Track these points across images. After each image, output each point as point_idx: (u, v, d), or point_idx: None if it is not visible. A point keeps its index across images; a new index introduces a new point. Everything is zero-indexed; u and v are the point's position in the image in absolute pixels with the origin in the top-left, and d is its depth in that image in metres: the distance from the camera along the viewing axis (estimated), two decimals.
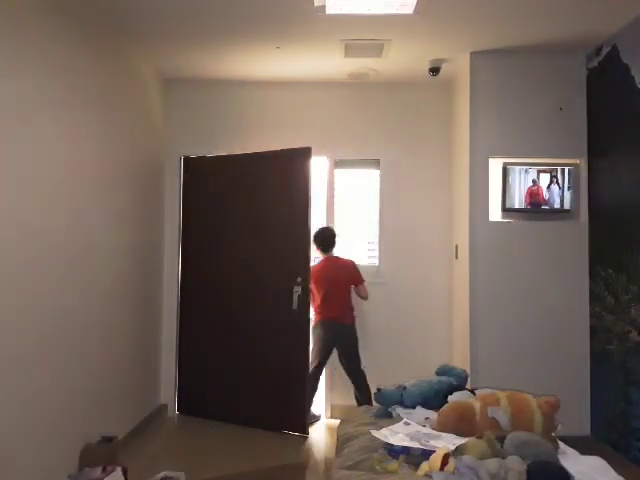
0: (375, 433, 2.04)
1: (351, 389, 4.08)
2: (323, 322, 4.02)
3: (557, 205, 3.81)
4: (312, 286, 3.99)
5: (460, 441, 1.88)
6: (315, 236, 4.08)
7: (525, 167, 3.82)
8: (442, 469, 1.69)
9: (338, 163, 4.46)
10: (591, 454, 2.03)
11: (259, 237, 4.15)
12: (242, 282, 4.20)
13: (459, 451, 1.82)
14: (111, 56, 3.34)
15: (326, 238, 4.13)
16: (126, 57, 3.59)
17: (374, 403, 2.80)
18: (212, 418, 4.18)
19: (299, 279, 3.92)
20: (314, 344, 4.03)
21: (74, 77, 2.87)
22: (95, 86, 3.12)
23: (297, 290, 3.92)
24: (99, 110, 3.17)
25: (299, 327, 3.95)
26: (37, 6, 2.50)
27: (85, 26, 2.98)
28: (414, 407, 2.47)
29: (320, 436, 3.94)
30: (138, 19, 3.31)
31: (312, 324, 4.07)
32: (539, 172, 3.82)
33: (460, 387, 2.60)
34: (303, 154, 3.99)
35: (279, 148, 4.32)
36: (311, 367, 3.97)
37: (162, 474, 2.79)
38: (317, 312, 4.09)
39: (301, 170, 4.01)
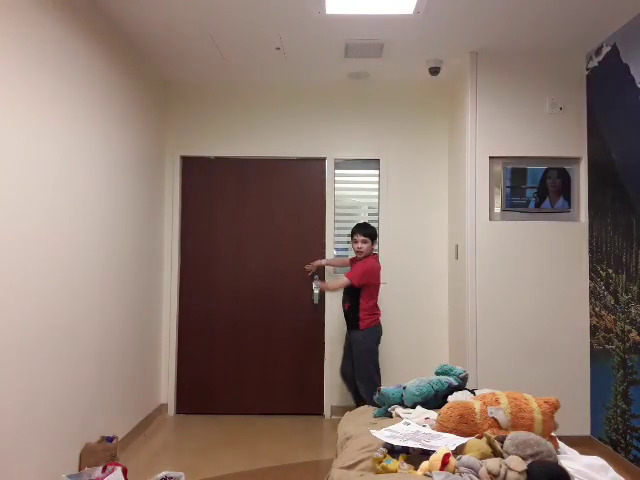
0: (375, 433, 2.03)
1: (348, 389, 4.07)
2: (379, 324, 3.84)
3: (557, 205, 3.81)
4: (369, 283, 3.76)
5: (460, 441, 1.88)
6: (373, 232, 3.85)
7: (525, 167, 3.82)
8: (442, 469, 1.69)
9: (338, 163, 4.46)
10: (591, 454, 2.03)
11: (265, 237, 4.43)
12: (248, 281, 4.43)
13: (459, 451, 1.82)
14: (111, 56, 3.34)
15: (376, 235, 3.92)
16: (126, 57, 3.59)
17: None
18: (217, 413, 4.35)
19: (316, 276, 4.33)
20: (375, 344, 3.81)
21: (73, 77, 2.87)
22: (95, 86, 3.12)
23: (317, 286, 4.25)
24: (99, 110, 3.17)
25: (317, 319, 4.40)
26: (40, 6, 2.49)
27: (87, 27, 2.98)
28: (414, 407, 2.47)
29: (320, 436, 3.94)
30: (140, 22, 3.32)
31: (362, 325, 3.77)
32: (539, 172, 3.83)
33: (460, 387, 2.60)
34: (315, 162, 4.41)
35: (278, 147, 4.43)
36: (373, 373, 3.78)
37: (162, 474, 2.78)
38: (376, 311, 3.83)
39: (315, 174, 4.42)
